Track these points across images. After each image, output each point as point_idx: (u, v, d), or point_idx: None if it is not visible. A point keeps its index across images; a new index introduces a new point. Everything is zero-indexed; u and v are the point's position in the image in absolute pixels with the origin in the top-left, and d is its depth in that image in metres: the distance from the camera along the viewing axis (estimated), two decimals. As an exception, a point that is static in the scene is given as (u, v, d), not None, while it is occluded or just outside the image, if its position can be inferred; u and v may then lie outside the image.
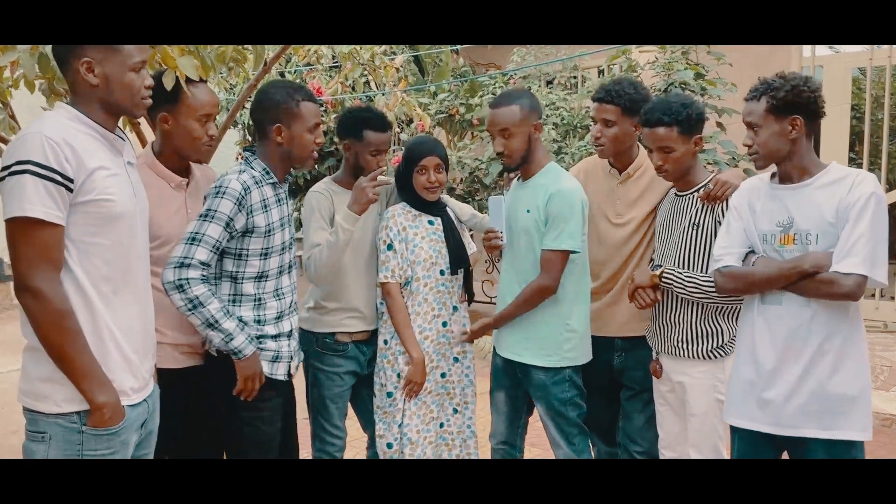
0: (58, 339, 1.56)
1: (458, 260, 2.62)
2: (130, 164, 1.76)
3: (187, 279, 1.97)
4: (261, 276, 2.16)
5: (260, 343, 2.15)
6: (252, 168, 2.16)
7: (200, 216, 2.04)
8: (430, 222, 2.63)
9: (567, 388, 2.49)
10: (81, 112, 1.64)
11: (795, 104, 1.96)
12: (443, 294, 2.61)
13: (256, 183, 2.12)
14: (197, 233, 2.01)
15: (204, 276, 2.01)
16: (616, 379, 2.66)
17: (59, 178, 1.53)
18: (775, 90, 1.97)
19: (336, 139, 2.63)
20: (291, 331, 2.27)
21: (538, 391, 2.52)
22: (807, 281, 1.92)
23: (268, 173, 2.17)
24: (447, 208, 2.71)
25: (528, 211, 2.48)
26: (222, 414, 2.21)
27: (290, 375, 2.27)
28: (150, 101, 1.78)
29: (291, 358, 2.26)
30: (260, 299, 2.16)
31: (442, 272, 2.60)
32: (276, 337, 2.19)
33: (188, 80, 2.09)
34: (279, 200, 2.20)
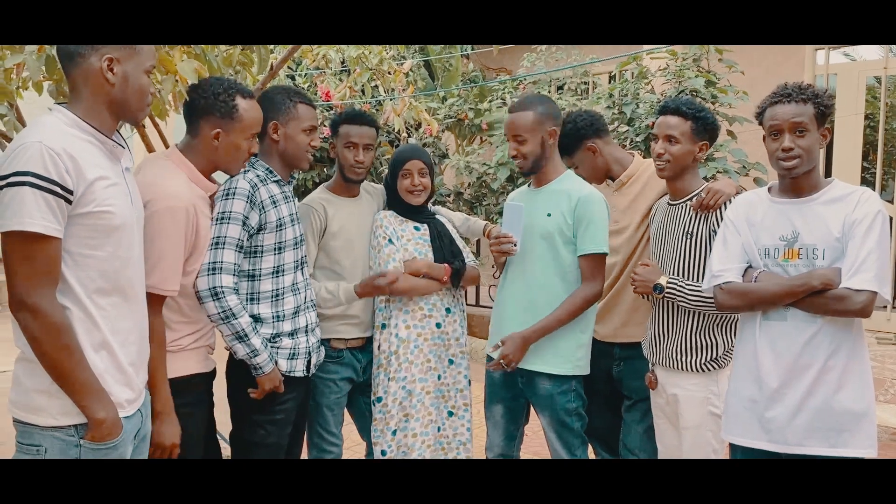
0: (57, 355, 1.53)
1: (445, 263, 2.60)
2: (128, 169, 1.75)
3: (222, 287, 2.02)
4: (278, 271, 2.21)
5: (275, 342, 2.19)
6: (255, 168, 2.24)
7: (216, 220, 2.07)
8: (416, 228, 2.65)
9: (573, 399, 2.47)
10: (80, 116, 1.60)
11: (829, 114, 1.98)
12: (431, 295, 2.59)
13: (262, 181, 2.20)
14: (218, 237, 2.05)
15: (236, 285, 2.06)
16: (616, 388, 2.64)
17: (59, 189, 1.49)
18: (820, 96, 1.96)
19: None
20: (308, 326, 2.30)
21: (543, 401, 2.48)
22: (816, 297, 1.89)
23: (271, 172, 2.25)
24: (437, 217, 2.72)
25: (549, 215, 2.47)
26: (232, 416, 2.24)
27: (308, 371, 2.29)
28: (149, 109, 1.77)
29: (310, 354, 2.29)
30: (278, 295, 2.21)
31: None
32: (292, 333, 2.23)
33: (242, 97, 2.03)
34: (286, 198, 2.28)
